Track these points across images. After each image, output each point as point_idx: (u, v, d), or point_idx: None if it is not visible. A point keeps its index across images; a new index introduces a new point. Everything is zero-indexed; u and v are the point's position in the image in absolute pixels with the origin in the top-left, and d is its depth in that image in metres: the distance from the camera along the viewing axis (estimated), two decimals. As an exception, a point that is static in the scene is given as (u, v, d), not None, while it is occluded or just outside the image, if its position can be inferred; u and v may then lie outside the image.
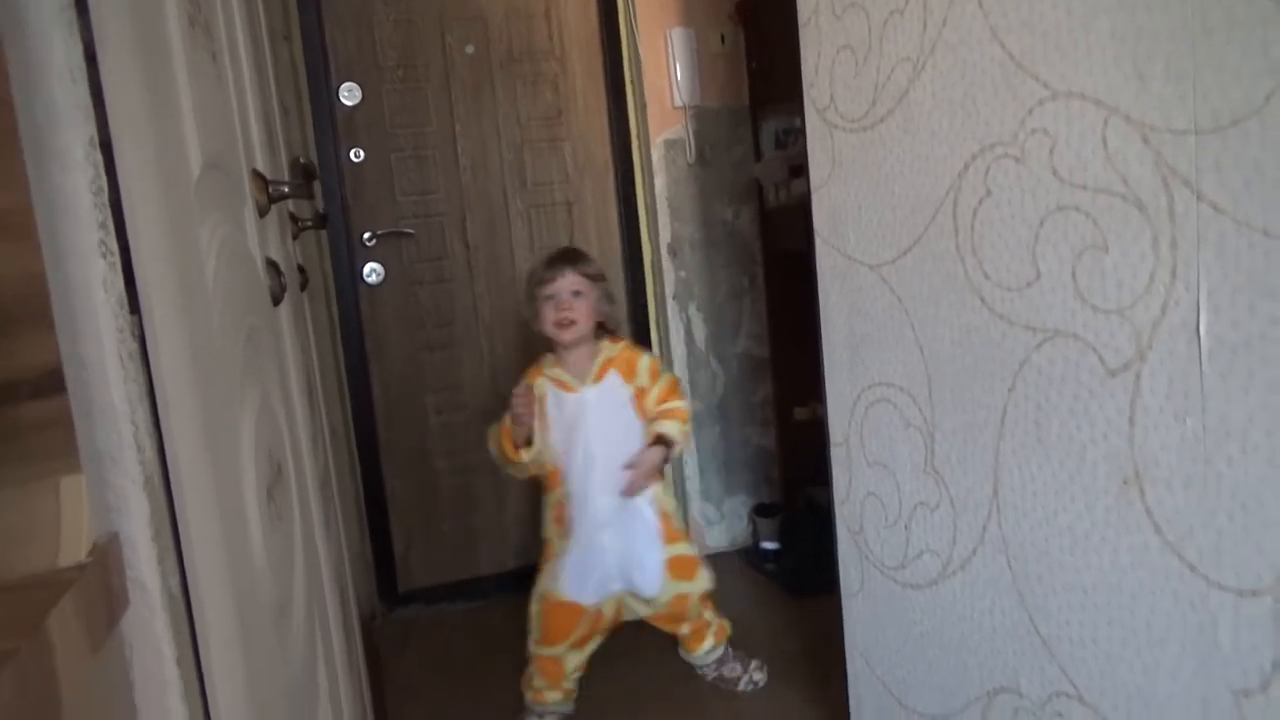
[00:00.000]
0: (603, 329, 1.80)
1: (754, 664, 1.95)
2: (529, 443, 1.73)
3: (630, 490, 1.74)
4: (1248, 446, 0.77)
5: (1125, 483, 0.90)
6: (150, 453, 0.38)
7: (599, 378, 1.77)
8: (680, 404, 1.82)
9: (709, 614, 1.93)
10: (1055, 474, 0.99)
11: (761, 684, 1.92)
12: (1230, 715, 0.81)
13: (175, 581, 0.39)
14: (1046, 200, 0.95)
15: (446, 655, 2.26)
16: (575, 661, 1.84)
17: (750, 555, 2.67)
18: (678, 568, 1.82)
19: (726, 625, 1.97)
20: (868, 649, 1.42)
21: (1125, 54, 0.84)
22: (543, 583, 1.81)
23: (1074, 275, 0.93)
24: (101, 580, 0.32)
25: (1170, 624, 0.87)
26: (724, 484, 2.73)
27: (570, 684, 1.85)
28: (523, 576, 2.61)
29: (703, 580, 1.87)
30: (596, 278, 1.77)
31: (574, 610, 1.77)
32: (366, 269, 2.48)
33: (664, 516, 1.82)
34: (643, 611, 1.87)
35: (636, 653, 2.12)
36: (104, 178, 0.38)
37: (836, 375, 1.41)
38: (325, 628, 1.07)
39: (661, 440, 1.76)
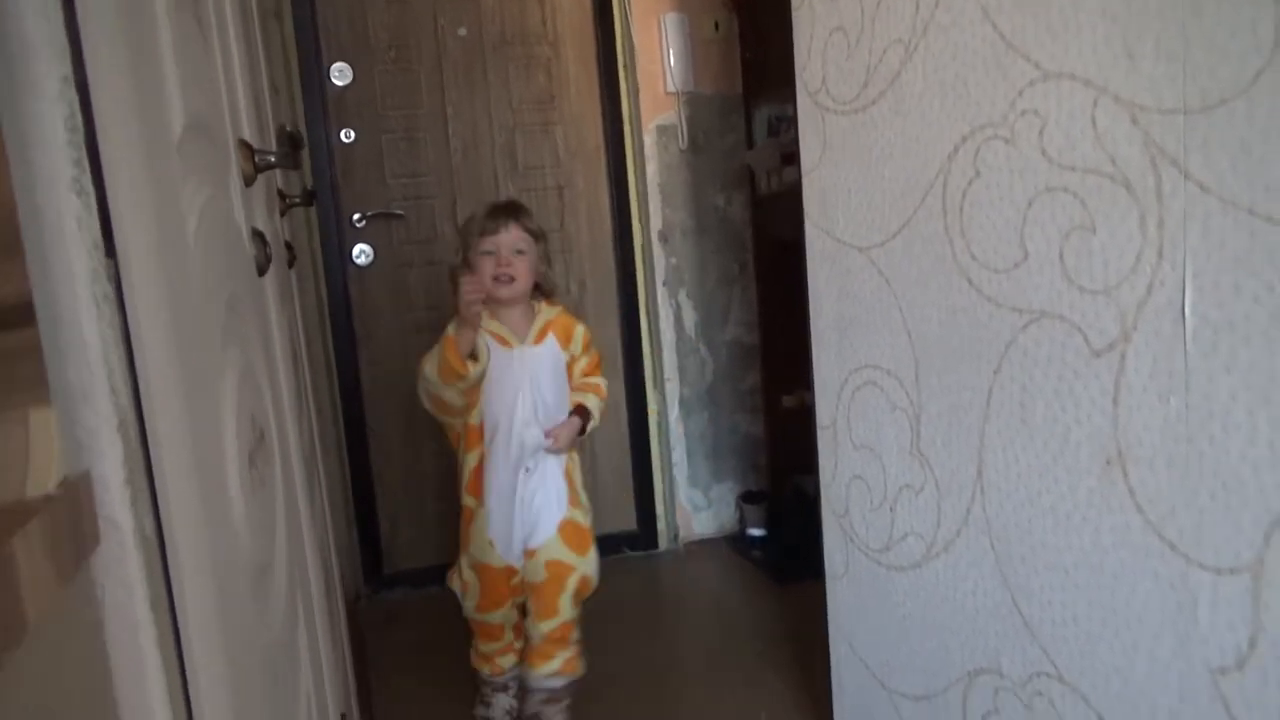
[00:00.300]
0: (538, 290, 1.74)
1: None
2: (473, 357, 1.60)
3: (555, 444, 1.68)
4: (1229, 426, 0.77)
5: (1108, 463, 0.90)
6: (125, 397, 0.38)
7: (539, 339, 1.70)
8: (601, 381, 1.77)
9: (573, 636, 1.75)
10: (1039, 455, 0.99)
11: None
12: (1208, 693, 0.82)
13: (149, 524, 0.39)
14: (1035, 181, 0.95)
15: (431, 637, 2.26)
16: (515, 618, 1.78)
17: (737, 542, 2.68)
18: (569, 533, 1.71)
19: (580, 666, 1.76)
20: (851, 631, 1.42)
21: (1116, 33, 0.84)
22: (471, 552, 1.71)
23: (1061, 256, 0.93)
24: (71, 513, 0.32)
25: (1150, 603, 0.87)
26: (711, 471, 2.74)
27: (519, 642, 1.80)
28: (509, 561, 2.61)
29: (587, 563, 1.72)
30: (539, 235, 1.71)
31: (509, 571, 1.70)
32: (356, 250, 2.47)
33: (569, 480, 1.73)
34: (530, 575, 1.72)
35: (616, 637, 2.13)
36: (79, 117, 0.37)
37: (824, 358, 1.41)
38: (308, 599, 1.07)
39: (581, 411, 1.71)
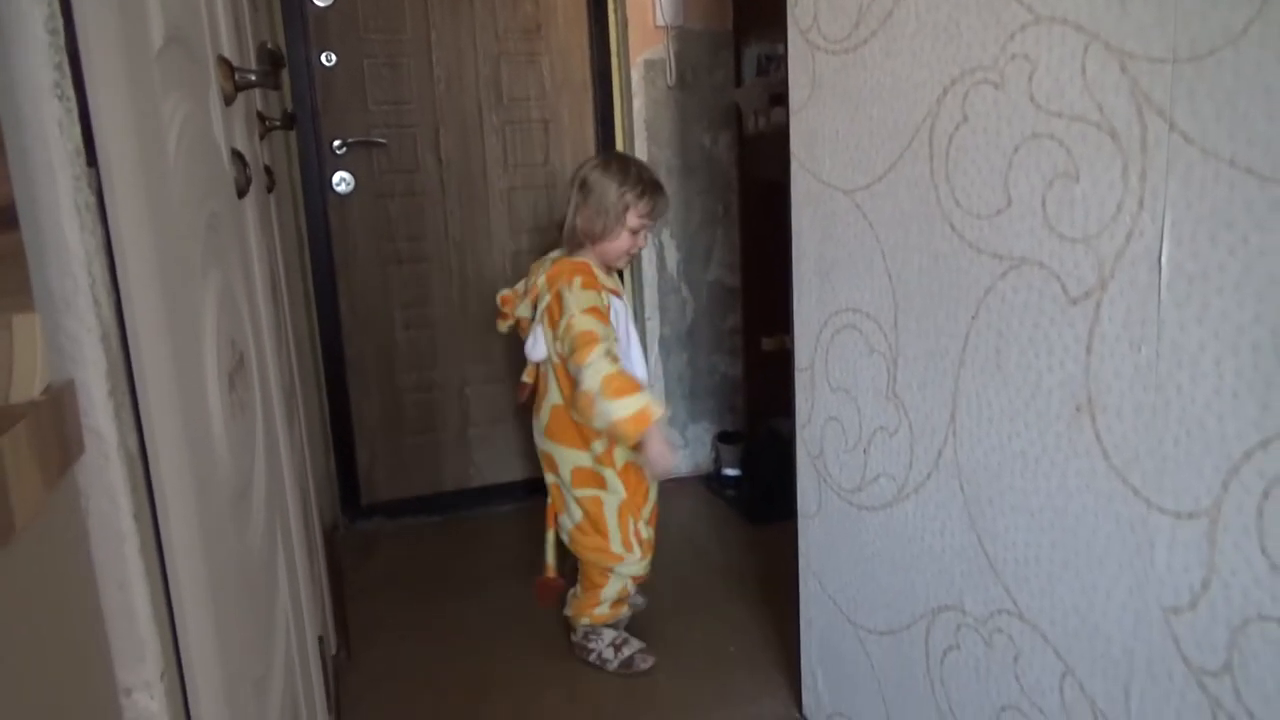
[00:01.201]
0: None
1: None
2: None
3: None
4: (1196, 375, 0.79)
5: (1078, 409, 0.92)
6: (107, 308, 0.38)
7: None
8: None
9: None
10: (1011, 400, 1.01)
11: (640, 607, 1.91)
12: (1159, 630, 0.85)
13: (132, 439, 0.39)
14: (1022, 127, 0.95)
15: (407, 567, 2.29)
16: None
17: (712, 481, 2.72)
18: None
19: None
20: (821, 569, 1.46)
21: (1110, -22, 0.83)
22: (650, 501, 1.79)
23: (1044, 203, 0.93)
24: (55, 419, 0.32)
25: (1110, 545, 0.90)
26: (689, 410, 2.76)
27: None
28: (485, 493, 2.65)
29: None
30: None
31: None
32: (336, 178, 2.43)
33: None
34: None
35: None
36: (59, 20, 0.36)
37: (805, 301, 1.42)
38: (286, 525, 1.08)
39: None
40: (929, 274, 1.13)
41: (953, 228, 1.07)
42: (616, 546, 1.75)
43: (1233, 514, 0.76)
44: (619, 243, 1.69)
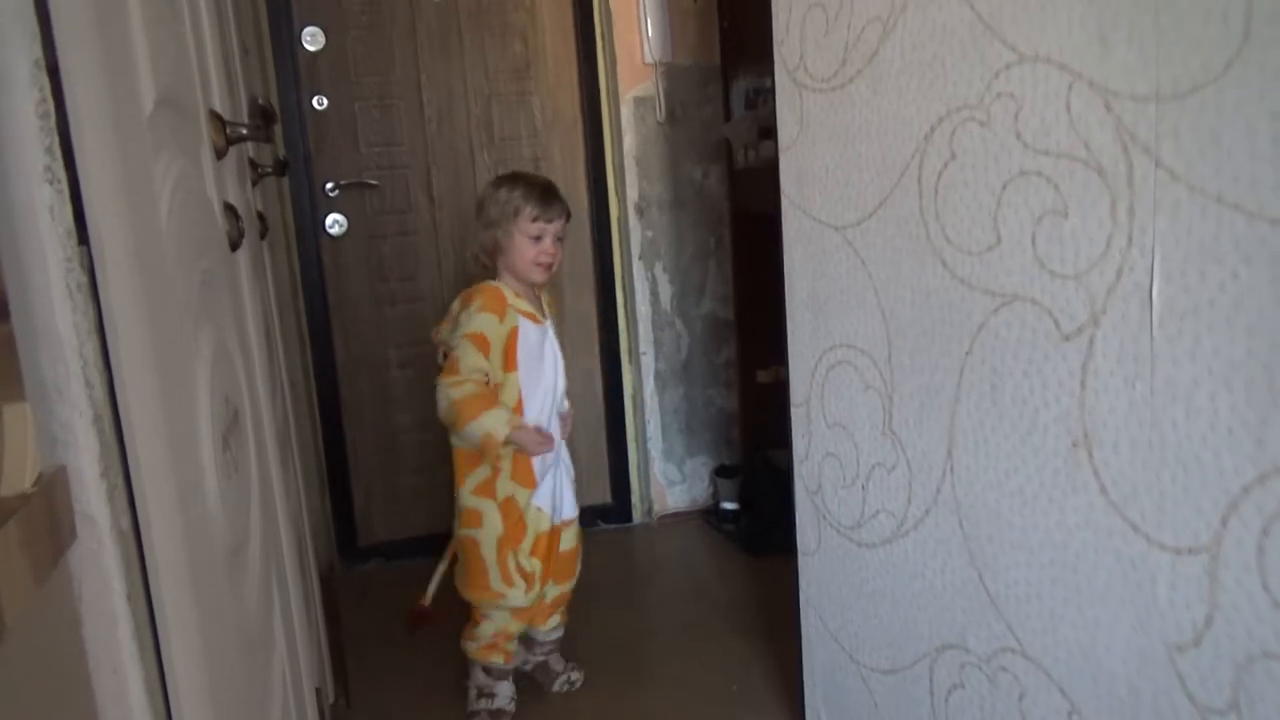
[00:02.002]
0: None
1: (572, 665, 1.89)
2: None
3: (567, 431, 1.79)
4: (1191, 410, 0.79)
5: (1075, 445, 0.92)
6: (99, 389, 0.38)
7: (548, 313, 1.75)
8: None
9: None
10: (1008, 436, 1.01)
11: (578, 685, 1.87)
12: (1164, 668, 0.84)
13: (125, 519, 0.38)
14: (1010, 165, 0.96)
15: (405, 609, 2.27)
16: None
17: (710, 515, 2.71)
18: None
19: (564, 616, 1.87)
20: (821, 606, 1.45)
21: (1090, 18, 0.84)
22: (530, 534, 1.72)
23: (1034, 240, 0.94)
24: (47, 511, 0.32)
25: (1111, 582, 0.90)
26: (685, 445, 2.75)
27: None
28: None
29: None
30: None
31: (555, 533, 1.76)
32: (329, 220, 2.44)
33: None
34: (562, 546, 1.79)
35: (590, 610, 2.15)
36: (51, 103, 0.36)
37: (799, 337, 1.42)
38: (282, 579, 1.07)
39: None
40: (921, 310, 1.13)
41: (944, 264, 1.08)
42: (496, 584, 1.69)
43: (1233, 550, 0.76)
44: (522, 253, 1.65)
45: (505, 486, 1.69)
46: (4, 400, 0.31)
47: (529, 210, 1.65)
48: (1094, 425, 0.89)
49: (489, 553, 1.69)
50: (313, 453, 2.42)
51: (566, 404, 1.79)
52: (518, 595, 1.70)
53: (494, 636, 1.74)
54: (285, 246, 2.33)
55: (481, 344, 1.61)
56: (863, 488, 1.30)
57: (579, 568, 1.84)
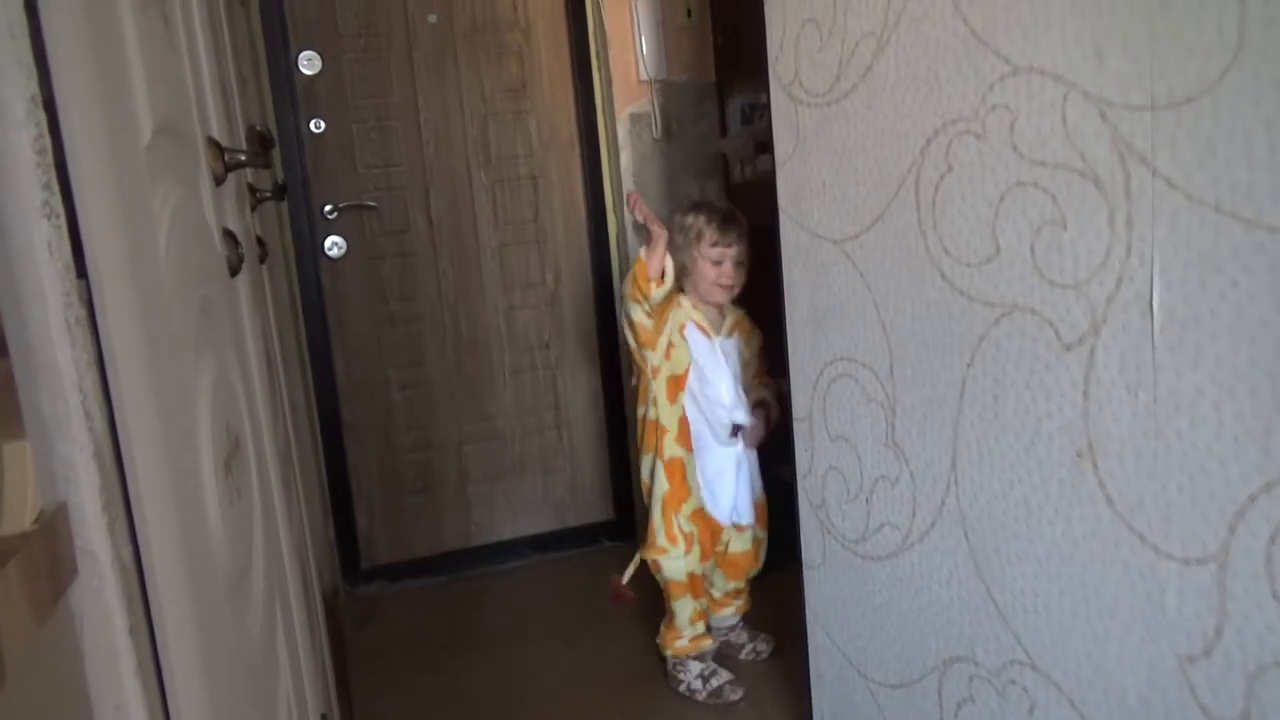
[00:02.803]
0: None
1: (761, 636, 2.03)
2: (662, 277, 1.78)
3: (750, 443, 1.91)
4: (1195, 419, 0.79)
5: (1079, 455, 0.92)
6: (100, 422, 0.37)
7: (730, 333, 1.91)
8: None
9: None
10: (1011, 447, 1.01)
11: (764, 655, 2.00)
12: (1176, 679, 0.84)
13: (127, 552, 0.38)
14: (1006, 176, 0.96)
15: (410, 631, 2.26)
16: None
17: (714, 530, 2.69)
18: (760, 513, 1.97)
19: (747, 600, 2.03)
20: (828, 621, 1.44)
21: (1084, 29, 0.85)
22: (693, 500, 1.88)
23: (1032, 251, 0.94)
24: (48, 549, 0.32)
25: (1120, 593, 0.89)
26: (688, 459, 2.74)
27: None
28: (487, 551, 2.62)
29: (764, 532, 1.99)
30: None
31: (719, 529, 1.90)
32: (328, 242, 2.44)
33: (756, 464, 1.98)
34: (733, 548, 1.95)
35: (595, 626, 2.14)
36: (48, 138, 0.36)
37: (800, 351, 1.42)
38: (286, 604, 1.06)
39: (764, 404, 1.91)
40: (922, 322, 1.13)
41: (943, 276, 1.08)
42: (662, 539, 1.86)
43: (1241, 559, 0.76)
44: (703, 273, 1.83)
45: (672, 447, 1.86)
46: (3, 438, 0.31)
47: (710, 234, 1.82)
48: (1098, 435, 0.89)
49: (656, 510, 1.88)
50: (315, 475, 2.41)
51: (749, 417, 1.89)
52: (677, 554, 1.85)
53: (691, 617, 1.88)
54: (285, 269, 2.33)
55: (639, 332, 1.84)
56: (867, 501, 1.30)
57: (755, 567, 1.97)
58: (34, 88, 0.37)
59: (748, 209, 2.47)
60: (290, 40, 2.36)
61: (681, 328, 1.85)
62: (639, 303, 1.79)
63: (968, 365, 1.06)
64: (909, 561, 1.21)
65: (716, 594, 1.98)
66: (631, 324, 1.83)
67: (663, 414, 1.86)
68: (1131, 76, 0.81)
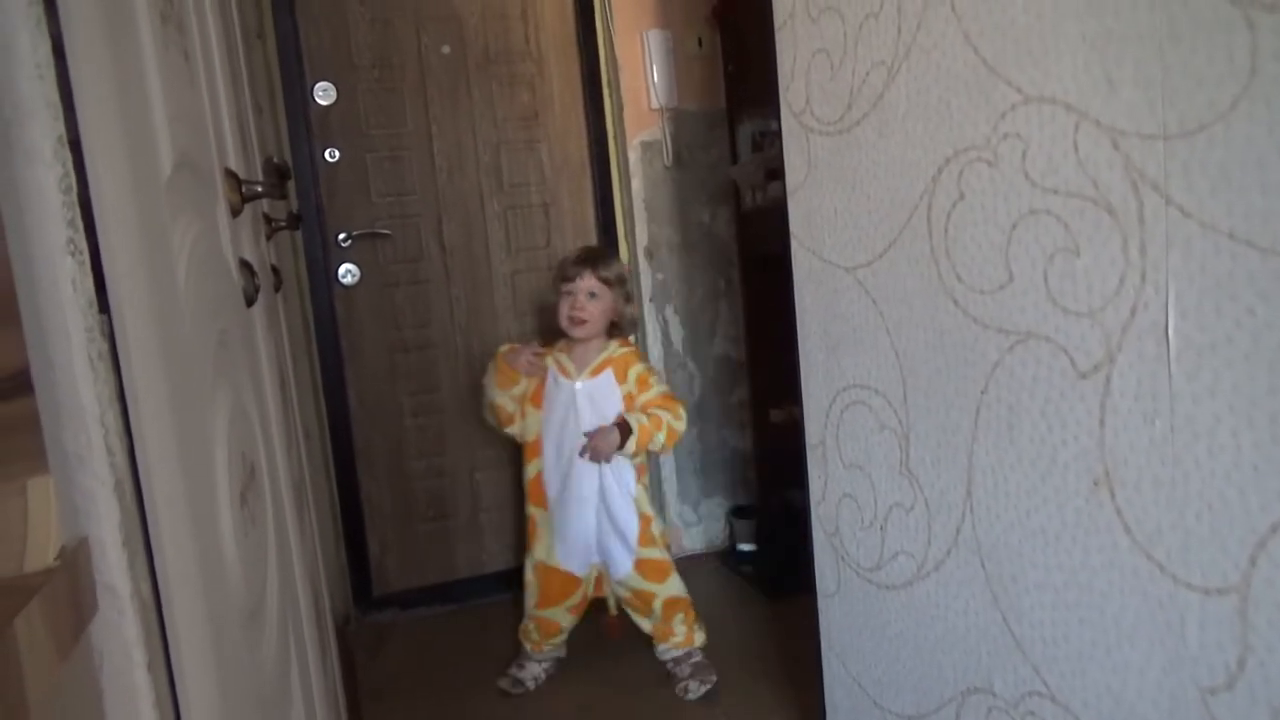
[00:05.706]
0: (616, 328, 1.97)
1: (708, 678, 1.95)
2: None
3: (594, 456, 1.89)
4: (1214, 448, 0.78)
5: (1096, 484, 0.91)
6: (120, 456, 0.38)
7: (595, 373, 1.92)
8: (664, 413, 1.92)
9: (678, 622, 1.99)
10: (1027, 475, 1.00)
11: (692, 696, 1.93)
12: (1198, 712, 0.82)
13: (146, 586, 0.38)
14: (1019, 204, 0.96)
15: (422, 659, 2.25)
16: (570, 622, 2.03)
17: (727, 557, 2.68)
18: (647, 569, 1.97)
19: (697, 638, 2.00)
20: (843, 650, 1.43)
21: (1095, 59, 0.85)
22: (536, 552, 1.98)
23: (1046, 278, 0.94)
24: (70, 585, 0.32)
25: (1139, 623, 0.88)
26: (700, 486, 2.74)
27: (566, 637, 2.06)
28: (500, 579, 2.61)
29: (671, 586, 1.98)
30: (615, 281, 1.92)
31: (569, 579, 1.97)
32: (342, 270, 2.46)
33: (643, 519, 1.97)
34: (619, 591, 2.02)
35: (608, 653, 2.12)
36: (73, 176, 0.37)
37: (812, 378, 1.42)
38: (299, 632, 1.06)
39: (622, 424, 1.88)
40: (935, 349, 1.13)
41: (956, 303, 1.08)
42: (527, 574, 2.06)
43: (1263, 590, 0.75)
44: (560, 310, 1.93)
45: (528, 508, 2.01)
46: (28, 474, 0.32)
47: (560, 270, 1.94)
48: (1114, 464, 0.88)
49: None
50: (327, 502, 2.41)
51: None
52: (527, 599, 2.01)
53: (527, 624, 2.02)
54: (299, 297, 2.35)
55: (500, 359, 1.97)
56: (881, 529, 1.29)
57: (656, 609, 1.98)
58: (61, 128, 0.38)
59: (758, 235, 2.48)
60: (306, 71, 2.39)
61: (537, 391, 1.95)
62: (504, 389, 1.92)
63: (982, 393, 1.05)
64: (925, 590, 1.20)
65: (648, 626, 2.01)
66: (493, 407, 1.96)
67: (525, 476, 1.99)
68: (1143, 105, 0.81)
